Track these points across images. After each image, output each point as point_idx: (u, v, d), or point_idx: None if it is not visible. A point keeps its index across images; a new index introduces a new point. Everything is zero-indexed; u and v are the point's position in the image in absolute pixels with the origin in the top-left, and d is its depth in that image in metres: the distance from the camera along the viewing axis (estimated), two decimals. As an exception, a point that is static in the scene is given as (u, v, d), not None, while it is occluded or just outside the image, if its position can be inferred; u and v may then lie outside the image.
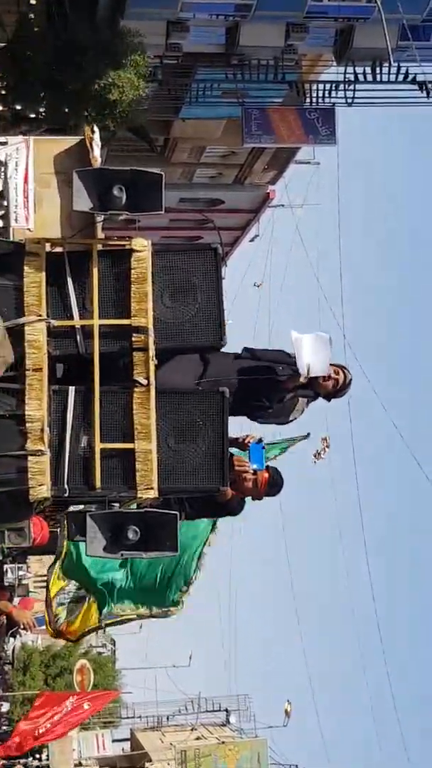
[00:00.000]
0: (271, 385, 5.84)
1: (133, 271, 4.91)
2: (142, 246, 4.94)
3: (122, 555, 4.72)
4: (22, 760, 20.70)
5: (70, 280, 4.94)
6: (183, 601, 7.22)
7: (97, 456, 4.80)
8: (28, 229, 5.28)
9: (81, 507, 5.36)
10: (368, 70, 17.90)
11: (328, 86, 18.94)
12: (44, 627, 8.36)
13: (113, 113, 14.57)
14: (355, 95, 18.15)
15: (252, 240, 26.45)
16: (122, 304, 4.91)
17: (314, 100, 19.25)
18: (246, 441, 5.94)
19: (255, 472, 5.76)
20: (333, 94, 18.80)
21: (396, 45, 17.45)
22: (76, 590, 7.57)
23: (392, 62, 17.27)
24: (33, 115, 15.81)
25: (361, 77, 17.92)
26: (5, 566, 16.97)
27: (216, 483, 4.89)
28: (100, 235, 5.09)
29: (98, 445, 4.81)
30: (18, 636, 19.63)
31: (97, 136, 5.74)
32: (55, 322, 4.88)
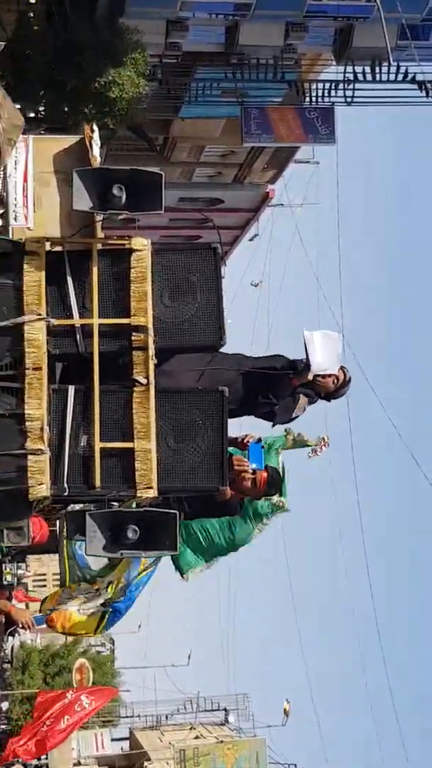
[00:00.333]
0: (279, 380, 5.87)
1: (132, 271, 4.91)
2: (141, 245, 4.93)
3: (122, 554, 4.72)
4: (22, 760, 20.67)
5: (69, 280, 4.94)
6: (196, 572, 7.24)
7: (97, 455, 4.80)
8: (28, 228, 5.27)
9: (80, 506, 5.36)
10: (367, 69, 17.92)
11: (327, 86, 18.96)
12: (43, 626, 8.34)
13: (113, 111, 14.58)
14: (355, 95, 18.17)
15: (251, 239, 26.46)
16: (122, 304, 4.91)
17: (314, 99, 19.27)
18: (245, 441, 5.95)
19: (254, 472, 5.77)
20: (332, 93, 18.83)
21: (395, 44, 17.46)
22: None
23: (391, 62, 17.28)
24: (33, 115, 15.81)
25: (360, 77, 17.94)
26: (4, 565, 16.98)
27: (215, 482, 4.89)
28: (100, 234, 5.09)
29: (98, 444, 4.81)
30: (17, 635, 19.65)
31: (96, 135, 5.74)
32: (54, 321, 4.88)
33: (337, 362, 5.98)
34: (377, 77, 17.90)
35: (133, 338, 4.87)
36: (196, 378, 5.39)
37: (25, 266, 4.90)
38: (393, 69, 17.60)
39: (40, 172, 5.36)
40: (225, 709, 24.32)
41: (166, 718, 24.65)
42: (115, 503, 4.86)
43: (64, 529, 6.77)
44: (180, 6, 17.41)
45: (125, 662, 31.71)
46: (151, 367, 4.85)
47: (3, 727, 22.85)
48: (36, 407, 4.78)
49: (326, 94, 18.96)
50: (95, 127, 5.94)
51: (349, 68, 18.05)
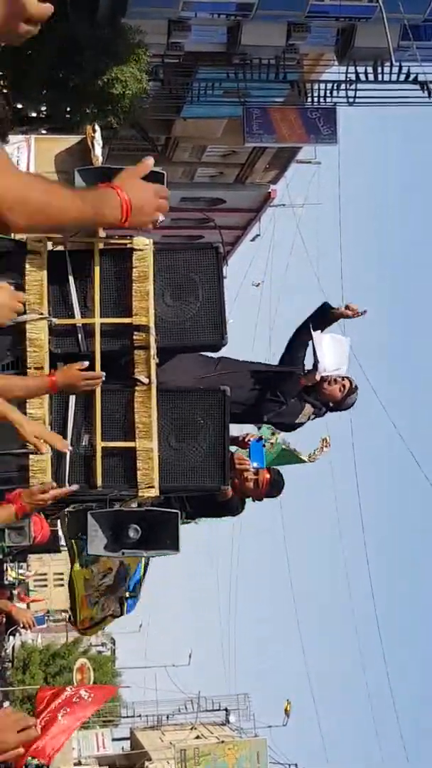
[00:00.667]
0: (287, 378, 5.87)
1: (134, 270, 4.91)
2: (143, 245, 4.93)
3: (123, 554, 4.72)
4: (21, 759, 20.68)
5: (71, 279, 4.94)
6: None
7: (98, 454, 4.80)
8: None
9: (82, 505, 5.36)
10: (369, 69, 17.92)
11: (329, 86, 18.95)
12: (44, 626, 8.33)
13: (116, 109, 14.58)
14: (357, 95, 18.17)
15: (253, 239, 26.46)
16: (123, 303, 4.90)
17: (315, 99, 19.26)
18: (246, 439, 5.95)
19: (256, 472, 5.76)
20: (334, 93, 18.82)
21: (397, 45, 17.46)
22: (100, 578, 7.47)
23: (393, 62, 17.29)
24: (34, 114, 15.82)
25: (362, 77, 17.94)
26: (5, 565, 16.99)
27: (217, 482, 4.89)
28: (102, 233, 5.08)
29: (99, 444, 4.81)
30: (18, 635, 19.66)
31: (98, 134, 5.74)
32: (56, 321, 4.88)
33: (346, 364, 5.99)
34: (379, 77, 17.91)
35: (134, 337, 4.87)
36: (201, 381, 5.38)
37: (27, 265, 4.90)
38: (395, 69, 17.61)
39: (42, 171, 5.36)
40: (226, 709, 24.29)
41: (167, 718, 24.63)
42: (116, 502, 4.86)
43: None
44: (182, 6, 17.41)
45: (126, 662, 31.74)
46: (153, 366, 4.85)
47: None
48: (37, 407, 4.78)
49: (328, 95, 18.95)
50: (97, 127, 5.94)
51: (351, 68, 18.04)
